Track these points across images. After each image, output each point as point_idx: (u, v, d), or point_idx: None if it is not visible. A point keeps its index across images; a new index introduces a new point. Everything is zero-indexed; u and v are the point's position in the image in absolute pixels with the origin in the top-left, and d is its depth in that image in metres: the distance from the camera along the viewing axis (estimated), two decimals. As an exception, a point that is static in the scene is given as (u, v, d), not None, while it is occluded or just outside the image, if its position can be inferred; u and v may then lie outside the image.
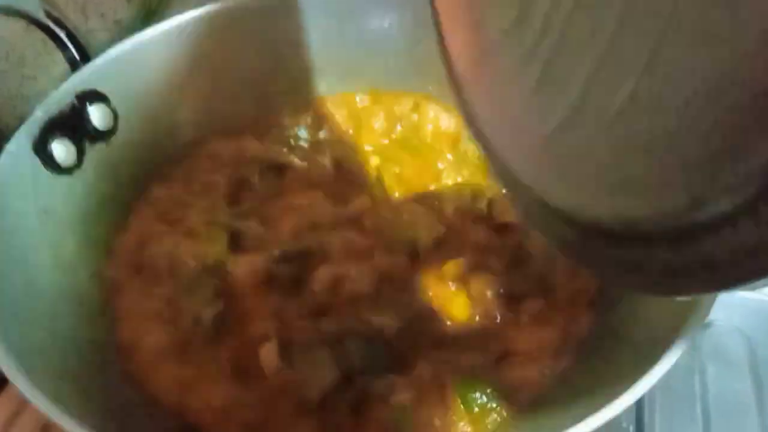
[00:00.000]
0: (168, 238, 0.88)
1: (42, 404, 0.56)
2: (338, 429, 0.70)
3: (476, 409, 0.70)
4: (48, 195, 0.81)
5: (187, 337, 0.77)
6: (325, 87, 1.09)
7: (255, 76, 1.05)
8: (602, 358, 0.72)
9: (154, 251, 0.86)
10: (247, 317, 0.79)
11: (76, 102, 0.87)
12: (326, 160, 0.98)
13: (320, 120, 1.05)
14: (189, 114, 1.01)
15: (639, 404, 0.85)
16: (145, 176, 0.95)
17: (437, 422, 0.70)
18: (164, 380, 0.74)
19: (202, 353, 0.76)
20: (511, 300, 0.80)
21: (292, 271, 0.83)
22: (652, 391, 0.83)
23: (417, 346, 0.76)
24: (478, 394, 0.71)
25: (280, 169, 0.97)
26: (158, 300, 0.81)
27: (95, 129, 0.90)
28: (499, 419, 0.70)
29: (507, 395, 0.72)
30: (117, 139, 0.92)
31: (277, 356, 0.73)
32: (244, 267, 0.84)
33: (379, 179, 0.95)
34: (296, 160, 0.97)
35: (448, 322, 0.79)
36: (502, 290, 0.81)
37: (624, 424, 0.83)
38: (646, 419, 0.84)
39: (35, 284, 0.73)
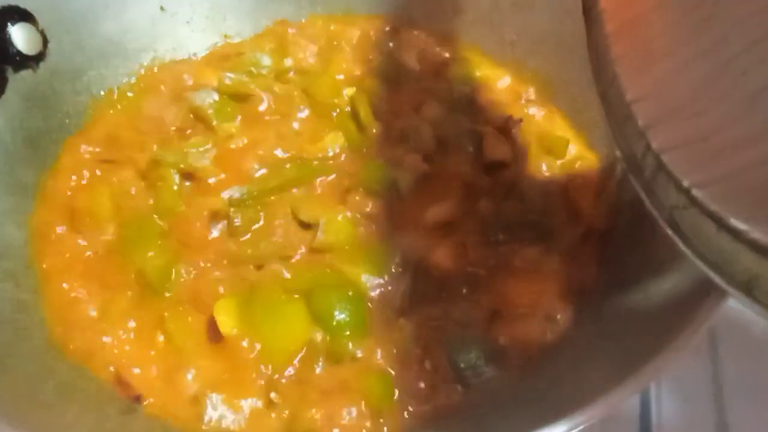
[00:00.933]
0: (107, 179, 0.76)
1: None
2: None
3: (468, 374, 0.61)
4: (-40, 128, 0.68)
5: (127, 295, 0.66)
6: (291, 8, 0.95)
7: (210, -6, 0.92)
8: (608, 327, 0.62)
9: (90, 194, 0.74)
10: (198, 268, 0.68)
11: (-7, 19, 0.73)
12: (293, 91, 0.85)
13: (285, 46, 0.91)
14: (132, 38, 0.87)
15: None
16: (81, 110, 0.82)
17: (422, 385, 0.60)
18: (99, 350, 0.63)
19: (144, 314, 0.65)
20: (504, 247, 0.70)
21: (253, 217, 0.72)
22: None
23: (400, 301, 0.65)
24: (471, 355, 0.61)
25: (239, 100, 0.84)
26: (93, 252, 0.69)
27: (19, 53, 0.76)
28: (489, 381, 0.61)
29: (499, 357, 0.62)
30: (47, 66, 0.79)
31: (236, 317, 0.63)
32: (196, 211, 0.72)
33: (354, 112, 0.83)
34: (258, 91, 0.84)
35: (434, 272, 0.69)
36: (493, 236, 0.70)
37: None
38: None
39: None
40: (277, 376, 0.61)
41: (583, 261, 0.69)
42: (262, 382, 0.61)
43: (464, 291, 0.66)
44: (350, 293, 0.65)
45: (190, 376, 0.61)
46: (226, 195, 0.74)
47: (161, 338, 0.64)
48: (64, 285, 0.67)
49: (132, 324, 0.64)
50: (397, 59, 0.90)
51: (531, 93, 0.86)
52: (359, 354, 0.62)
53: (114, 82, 0.86)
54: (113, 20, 0.85)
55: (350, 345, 0.62)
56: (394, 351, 0.62)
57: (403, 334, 0.63)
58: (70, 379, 0.59)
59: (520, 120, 0.81)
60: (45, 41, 0.78)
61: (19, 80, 0.75)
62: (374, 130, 0.82)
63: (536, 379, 0.59)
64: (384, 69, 0.89)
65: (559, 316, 0.65)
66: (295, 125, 0.82)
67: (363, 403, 0.59)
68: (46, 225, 0.72)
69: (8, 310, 0.62)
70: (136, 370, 0.61)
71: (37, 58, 0.78)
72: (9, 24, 0.75)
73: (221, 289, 0.66)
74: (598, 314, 0.63)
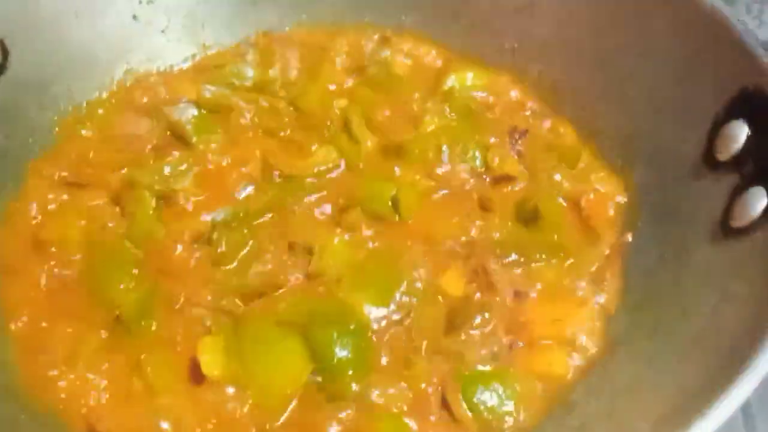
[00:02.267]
0: (76, 204, 0.68)
1: None
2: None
3: (486, 415, 0.54)
4: None
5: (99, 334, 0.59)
6: (274, 17, 0.89)
7: (189, 3, 0.85)
8: (644, 353, 0.56)
9: (58, 222, 0.66)
10: (179, 302, 0.60)
11: (-55, 28, 0.66)
12: (280, 103, 0.79)
13: (269, 57, 0.85)
14: (104, 48, 0.80)
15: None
16: (47, 127, 0.75)
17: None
18: (70, 398, 0.55)
19: (118, 356, 0.57)
20: (519, 269, 0.63)
21: (239, 241, 0.65)
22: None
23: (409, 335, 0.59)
24: (487, 395, 0.55)
25: (221, 115, 0.77)
26: (61, 285, 0.62)
27: (-24, 65, 0.69)
28: (513, 424, 0.54)
29: (523, 393, 0.55)
30: (8, 78, 0.71)
31: (222, 357, 0.55)
32: (176, 237, 0.65)
33: (347, 125, 0.77)
34: (242, 104, 0.77)
35: (440, 299, 0.62)
36: (507, 257, 0.64)
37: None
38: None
39: None
40: (269, 425, 0.54)
41: (606, 282, 0.62)
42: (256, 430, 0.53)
43: (479, 320, 0.59)
44: (352, 326, 0.58)
45: (171, 427, 0.53)
46: (208, 218, 0.67)
47: (138, 383, 0.56)
48: (27, 323, 0.59)
49: (105, 367, 0.57)
50: (391, 69, 0.84)
51: (535, 102, 0.80)
52: (366, 395, 0.54)
53: (83, 96, 0.78)
54: (83, 30, 0.78)
55: (354, 386, 0.55)
56: (404, 391, 0.55)
57: (414, 371, 0.56)
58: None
59: (526, 131, 0.75)
60: (5, 51, 0.71)
61: (-23, 93, 0.68)
62: (369, 144, 0.75)
63: (565, 422, 0.53)
64: (377, 79, 0.82)
65: (585, 345, 0.58)
66: (283, 141, 0.75)
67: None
68: (9, 254, 0.64)
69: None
70: (111, 422, 0.53)
71: (-1, 69, 0.71)
72: (-35, 33, 0.68)
73: (206, 324, 0.58)
74: (629, 339, 0.57)
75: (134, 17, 0.83)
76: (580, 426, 0.51)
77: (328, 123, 0.77)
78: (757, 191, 0.54)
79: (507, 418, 0.54)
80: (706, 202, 0.59)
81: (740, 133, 0.58)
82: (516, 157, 0.73)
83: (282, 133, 0.76)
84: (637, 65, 0.71)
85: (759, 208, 0.53)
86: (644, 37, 0.70)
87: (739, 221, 0.54)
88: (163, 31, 0.85)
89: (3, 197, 0.68)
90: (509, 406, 0.55)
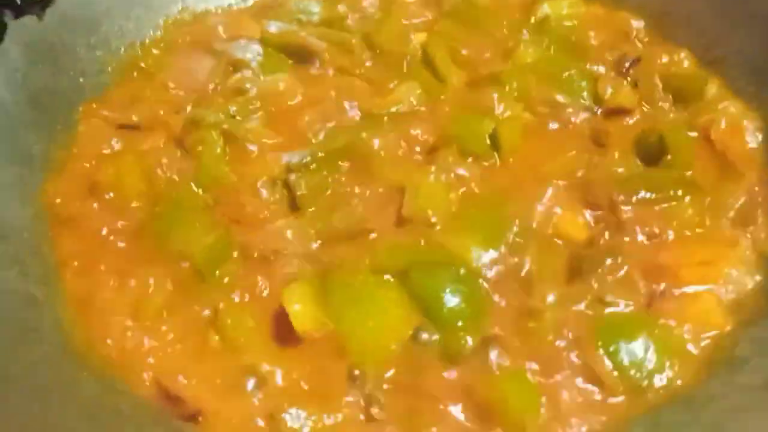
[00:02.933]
0: (134, 147, 0.60)
1: None
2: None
3: (633, 373, 0.45)
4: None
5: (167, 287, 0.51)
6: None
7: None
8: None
9: (115, 166, 0.59)
10: (257, 249, 0.52)
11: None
12: (353, 39, 0.70)
13: (337, -10, 0.77)
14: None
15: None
16: (98, 68, 0.68)
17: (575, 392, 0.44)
18: (134, 357, 0.47)
19: (191, 309, 0.49)
20: (650, 207, 0.54)
21: (320, 184, 0.57)
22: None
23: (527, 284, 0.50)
24: (633, 349, 0.45)
25: (289, 52, 0.69)
26: (121, 234, 0.54)
27: (20, -7, 0.62)
28: (668, 384, 0.45)
29: (676, 348, 0.46)
30: (54, 13, 0.65)
31: (312, 308, 0.47)
32: (248, 181, 0.57)
33: (429, 60, 0.68)
34: (312, 40, 0.69)
35: (560, 243, 0.53)
36: (634, 194, 0.54)
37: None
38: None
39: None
40: (373, 384, 0.45)
41: (760, 221, 0.52)
42: (356, 393, 0.45)
43: (609, 263, 0.50)
44: (462, 271, 0.49)
45: (257, 387, 0.45)
46: (283, 161, 0.58)
47: (216, 338, 0.48)
48: (84, 276, 0.51)
49: (175, 321, 0.49)
50: (474, 1, 0.75)
51: (643, 29, 0.70)
52: (483, 351, 0.46)
53: (137, 35, 0.71)
54: (135, -39, 0.71)
55: (469, 340, 0.46)
56: (531, 346, 0.46)
57: (541, 322, 0.47)
58: (96, 396, 0.44)
59: (639, 58, 0.66)
60: (53, -19, 0.64)
61: (20, 28, 0.62)
62: (456, 81, 0.66)
63: (736, 380, 0.43)
64: (458, 11, 0.73)
65: (744, 291, 0.48)
66: (359, 78, 0.67)
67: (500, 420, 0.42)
68: (60, 202, 0.57)
69: (14, 305, 0.47)
70: (185, 381, 0.45)
71: (43, 3, 0.64)
72: (7, -41, 0.60)
73: (291, 272, 0.50)
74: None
75: (191, -51, 0.75)
76: (764, 384, 0.41)
77: (408, 58, 0.68)
78: None
79: (658, 376, 0.45)
80: None
81: None
82: (630, 87, 0.63)
83: (357, 71, 0.68)
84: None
85: None
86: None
87: None
88: (222, -35, 0.77)
89: (55, 142, 0.61)
90: (660, 362, 0.45)
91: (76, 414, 0.41)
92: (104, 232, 0.55)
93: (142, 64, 0.69)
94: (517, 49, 0.68)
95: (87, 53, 0.67)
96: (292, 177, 0.57)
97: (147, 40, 0.71)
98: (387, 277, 0.49)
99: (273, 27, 0.70)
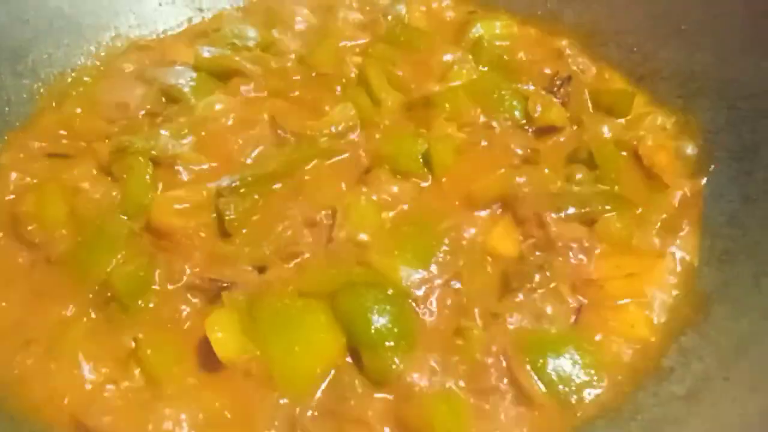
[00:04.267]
0: (59, 176, 0.59)
1: None
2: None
3: (562, 388, 0.44)
4: None
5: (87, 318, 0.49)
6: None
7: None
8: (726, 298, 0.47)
9: (38, 196, 0.57)
10: (181, 275, 0.51)
11: None
12: (287, 62, 0.70)
13: (272, 16, 0.77)
14: (88, 12, 0.72)
15: None
16: (25, 97, 0.66)
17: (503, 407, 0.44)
18: (52, 395, 0.45)
19: (111, 340, 0.48)
20: (578, 222, 0.54)
21: (249, 208, 0.56)
22: None
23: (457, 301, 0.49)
24: (561, 364, 0.45)
25: (222, 77, 0.68)
26: (41, 264, 0.52)
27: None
28: (595, 399, 0.44)
29: (604, 361, 0.46)
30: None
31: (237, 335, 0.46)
32: (176, 207, 0.56)
33: (365, 82, 0.68)
34: (245, 63, 0.69)
35: (490, 260, 0.53)
36: (563, 210, 0.54)
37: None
38: None
39: None
40: (299, 409, 0.44)
41: (683, 232, 0.53)
42: (282, 421, 0.44)
43: (538, 279, 0.49)
44: (390, 291, 0.48)
45: (182, 421, 0.43)
46: (212, 185, 0.57)
47: (137, 372, 0.46)
48: (4, 306, 0.50)
49: (96, 353, 0.47)
50: (409, 24, 0.76)
51: (573, 48, 0.71)
52: (411, 374, 0.45)
53: (66, 64, 0.70)
54: (64, -9, 0.70)
55: (396, 361, 0.45)
56: (459, 364, 0.45)
57: (470, 340, 0.46)
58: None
59: (569, 77, 0.67)
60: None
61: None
62: (390, 102, 0.67)
63: (663, 389, 0.43)
64: (393, 34, 0.74)
65: (669, 302, 0.48)
66: (293, 101, 0.67)
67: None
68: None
69: None
70: (106, 419, 0.43)
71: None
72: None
73: (214, 300, 0.49)
74: (725, 295, 0.47)
75: (122, -21, 0.74)
76: (687, 394, 0.41)
77: (343, 81, 0.68)
78: None
79: (587, 390, 0.44)
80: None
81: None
82: (560, 105, 0.64)
83: (291, 94, 0.67)
84: (693, -6, 0.62)
85: None
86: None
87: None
88: (154, -6, 0.76)
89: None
90: (588, 376, 0.45)
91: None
92: (24, 262, 0.54)
93: (73, 93, 0.68)
94: (450, 70, 0.68)
95: (13, 81, 0.66)
96: (221, 202, 0.56)
97: (78, 68, 0.70)
98: (314, 299, 0.48)
99: (206, 52, 0.70)
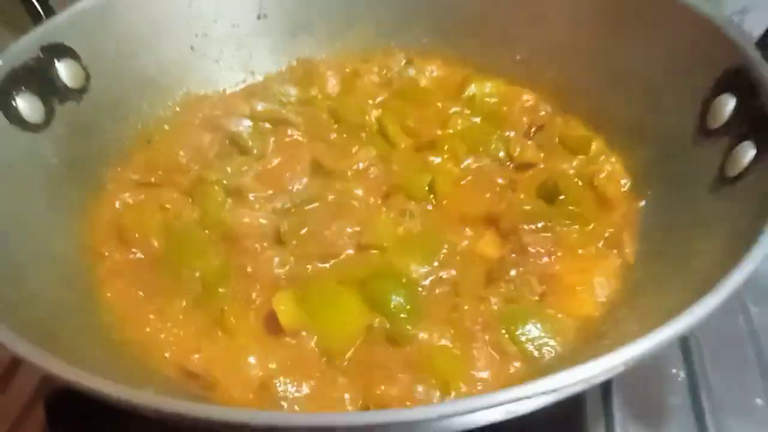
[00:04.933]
0: (153, 199, 0.78)
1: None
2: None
3: (528, 346, 0.62)
4: (12, 149, 0.71)
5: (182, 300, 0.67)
6: (312, 47, 1.01)
7: (239, 36, 0.97)
8: (653, 285, 0.65)
9: (138, 212, 0.76)
10: (252, 268, 0.69)
11: (41, 54, 0.77)
12: (323, 114, 0.90)
13: (310, 78, 0.96)
14: (166, 73, 0.91)
15: (686, 348, 0.77)
16: (121, 138, 0.85)
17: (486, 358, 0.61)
18: (160, 345, 0.63)
19: (202, 313, 0.66)
20: (545, 234, 0.72)
21: (299, 223, 0.74)
22: (697, 335, 0.77)
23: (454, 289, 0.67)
24: (527, 330, 0.62)
25: (272, 125, 0.88)
26: (144, 261, 0.71)
27: (65, 86, 0.80)
28: (554, 354, 0.62)
29: (559, 329, 0.63)
30: (89, 98, 0.82)
31: (294, 309, 0.63)
32: (243, 222, 0.74)
33: (383, 130, 0.87)
34: (291, 115, 0.88)
35: (477, 260, 0.71)
36: (530, 225, 0.72)
37: (673, 371, 0.75)
38: (696, 364, 0.76)
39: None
40: (338, 361, 0.62)
41: (625, 241, 0.71)
42: (325, 368, 0.61)
43: (513, 273, 0.67)
44: (404, 280, 0.66)
45: (254, 363, 0.61)
46: (270, 206, 0.76)
47: (220, 334, 0.64)
48: (119, 290, 0.68)
49: (190, 323, 0.65)
50: (418, 84, 0.96)
51: (548, 104, 0.90)
52: (420, 335, 0.62)
53: (150, 113, 0.89)
54: (147, 58, 0.90)
55: (409, 327, 0.63)
56: (453, 330, 0.63)
57: (459, 314, 0.64)
58: (134, 370, 0.59)
59: (542, 125, 0.85)
60: (87, 76, 0.82)
61: (64, 111, 0.79)
62: (403, 145, 0.86)
63: (599, 344, 0.60)
64: (406, 92, 0.93)
65: (609, 289, 0.66)
66: (328, 144, 0.86)
67: (432, 378, 0.59)
68: (96, 240, 0.73)
69: (67, 311, 0.62)
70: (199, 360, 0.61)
71: (81, 91, 0.82)
72: (56, 60, 0.79)
73: (277, 285, 0.67)
74: (647, 282, 0.65)
75: (191, 48, 0.94)
76: (611, 344, 0.58)
77: (366, 129, 0.87)
78: (746, 145, 0.63)
79: (547, 348, 0.62)
80: (705, 162, 0.68)
81: (727, 103, 0.68)
82: (535, 147, 0.83)
83: (327, 138, 0.86)
84: (636, 62, 0.81)
85: (748, 158, 0.62)
86: (642, 37, 0.81)
87: (732, 172, 0.64)
88: (216, 60, 0.96)
89: (87, 194, 0.78)
90: (548, 339, 0.62)
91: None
92: (130, 263, 0.72)
93: (156, 137, 0.87)
94: (449, 120, 0.87)
95: (112, 126, 0.84)
96: (277, 219, 0.74)
97: (159, 117, 0.90)
98: (348, 286, 0.66)
99: (260, 106, 0.89)
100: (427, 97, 0.93)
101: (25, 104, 0.74)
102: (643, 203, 0.75)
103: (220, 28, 0.96)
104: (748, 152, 0.63)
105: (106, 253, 0.72)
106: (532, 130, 0.85)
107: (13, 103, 0.72)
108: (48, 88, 0.77)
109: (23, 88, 0.74)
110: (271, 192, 0.79)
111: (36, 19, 0.82)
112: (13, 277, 0.60)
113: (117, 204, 0.78)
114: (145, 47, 0.90)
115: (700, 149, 0.70)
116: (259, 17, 0.98)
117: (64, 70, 0.80)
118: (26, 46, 0.76)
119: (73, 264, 0.69)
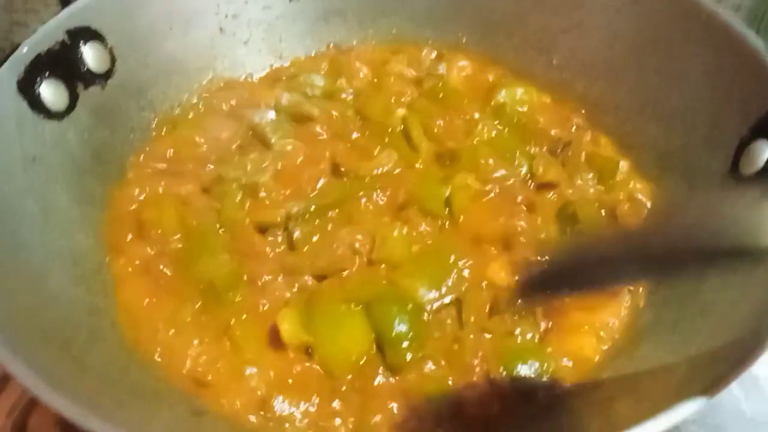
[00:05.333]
0: (172, 192, 0.79)
1: (23, 374, 0.47)
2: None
3: (521, 383, 0.62)
4: (36, 141, 0.71)
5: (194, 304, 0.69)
6: (343, 34, 0.99)
7: (270, 19, 0.95)
8: (657, 336, 0.64)
9: (156, 206, 0.77)
10: (261, 279, 0.70)
11: (67, 39, 0.76)
12: (348, 111, 0.88)
13: (338, 68, 0.95)
14: (193, 57, 0.91)
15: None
16: (145, 125, 0.86)
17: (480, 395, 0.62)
18: (170, 353, 0.65)
19: (211, 321, 0.67)
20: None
21: (311, 230, 0.74)
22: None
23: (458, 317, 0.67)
24: (524, 369, 0.63)
25: (296, 120, 0.87)
26: (161, 260, 0.72)
27: (90, 71, 0.79)
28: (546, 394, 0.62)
29: (556, 370, 0.63)
30: (114, 82, 0.82)
31: (298, 327, 0.65)
32: (258, 224, 0.75)
33: (406, 132, 0.86)
34: (315, 110, 0.87)
35: (484, 287, 0.70)
36: (542, 255, 0.71)
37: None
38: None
39: (20, 238, 0.64)
40: (338, 383, 0.63)
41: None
42: (323, 390, 0.63)
43: (519, 302, 0.67)
44: (409, 307, 0.66)
45: (256, 378, 0.63)
46: (285, 210, 0.76)
47: (227, 344, 0.66)
48: (134, 289, 0.70)
49: (200, 331, 0.67)
50: (447, 82, 0.93)
51: (578, 117, 0.87)
52: (419, 365, 0.63)
53: (176, 99, 0.89)
54: (176, 40, 0.89)
55: (408, 356, 0.64)
56: (452, 363, 0.64)
57: (462, 346, 0.64)
58: (142, 380, 0.61)
59: (570, 142, 0.83)
60: (113, 59, 0.82)
61: (88, 96, 0.79)
62: (426, 150, 0.84)
63: (593, 395, 0.60)
64: (434, 91, 0.91)
65: (614, 333, 0.66)
66: (350, 144, 0.85)
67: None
68: (115, 234, 0.75)
69: (83, 313, 0.64)
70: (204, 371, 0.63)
71: (106, 76, 0.82)
72: (81, 43, 0.79)
73: (284, 298, 0.68)
74: (654, 331, 0.64)
75: (221, 29, 0.93)
76: (606, 398, 0.58)
77: (390, 130, 0.86)
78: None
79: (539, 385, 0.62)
80: (730, 212, 0.66)
81: (763, 151, 0.65)
82: (559, 166, 0.81)
83: (350, 137, 0.85)
84: (673, 86, 0.78)
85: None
86: (682, 60, 0.78)
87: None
88: (245, 43, 0.95)
89: (111, 186, 0.79)
90: (543, 379, 0.62)
91: (129, 393, 0.59)
92: (147, 260, 0.73)
93: (180, 124, 0.87)
94: (475, 129, 0.86)
95: (137, 113, 0.85)
96: (290, 224, 0.75)
97: (184, 103, 0.90)
98: (355, 307, 0.67)
99: (284, 99, 0.88)
100: (456, 99, 0.90)
101: (49, 90, 0.74)
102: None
103: (251, 10, 0.95)
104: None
105: (125, 248, 0.74)
106: (560, 146, 0.83)
107: (38, 90, 0.72)
108: (73, 73, 0.77)
109: (48, 73, 0.73)
110: (288, 192, 0.79)
111: (65, 3, 0.81)
112: (34, 281, 0.62)
113: (137, 193, 0.78)
114: (174, 28, 0.89)
115: (729, 195, 0.68)
116: (291, 0, 0.96)
117: (89, 53, 0.79)
118: (52, 30, 0.75)
119: (91, 260, 0.71)
